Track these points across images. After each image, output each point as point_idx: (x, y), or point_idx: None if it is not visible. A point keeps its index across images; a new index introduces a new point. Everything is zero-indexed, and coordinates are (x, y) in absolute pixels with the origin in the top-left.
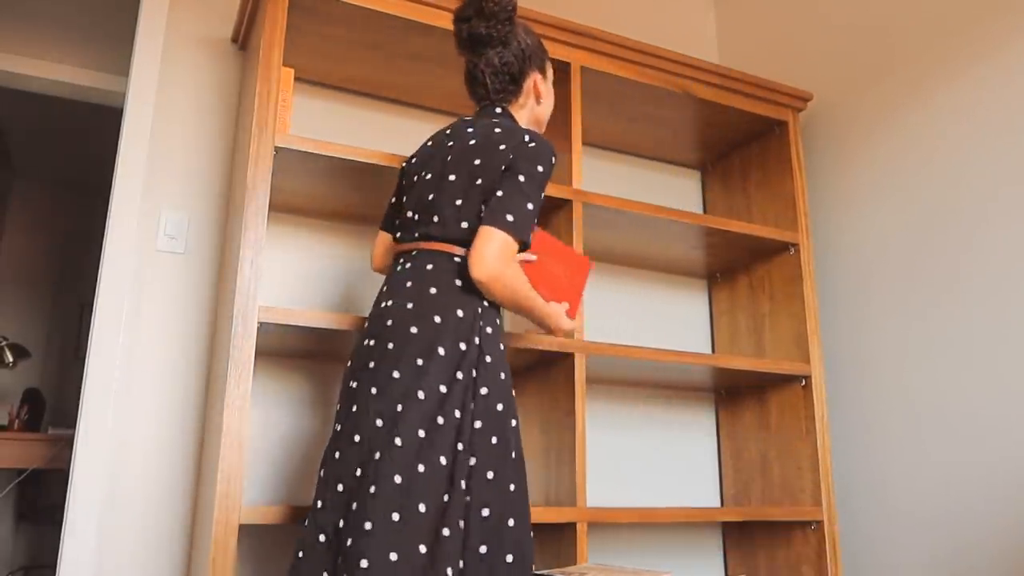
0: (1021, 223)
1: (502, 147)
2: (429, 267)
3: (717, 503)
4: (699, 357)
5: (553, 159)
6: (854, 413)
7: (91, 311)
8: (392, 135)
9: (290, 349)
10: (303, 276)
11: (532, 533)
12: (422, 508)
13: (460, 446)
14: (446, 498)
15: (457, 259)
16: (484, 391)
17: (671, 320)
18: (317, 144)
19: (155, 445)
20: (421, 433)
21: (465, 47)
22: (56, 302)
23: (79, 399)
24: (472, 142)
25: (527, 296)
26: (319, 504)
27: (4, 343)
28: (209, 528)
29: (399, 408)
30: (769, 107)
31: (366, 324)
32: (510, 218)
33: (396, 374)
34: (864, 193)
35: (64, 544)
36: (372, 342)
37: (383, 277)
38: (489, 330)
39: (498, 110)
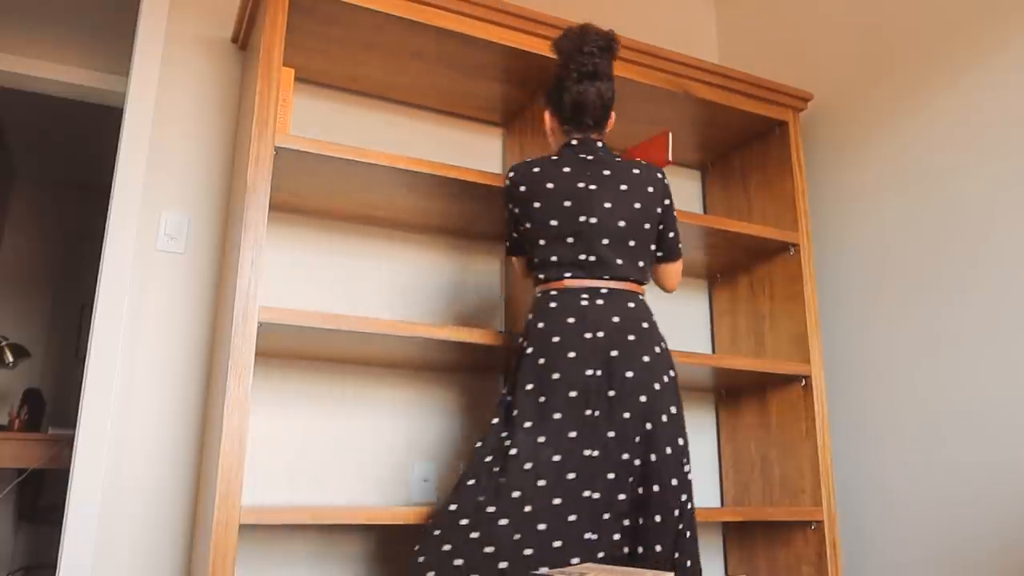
0: (1021, 223)
1: (651, 188)
2: (631, 305)
3: (717, 503)
4: (699, 357)
5: None
6: (854, 413)
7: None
8: (392, 135)
9: (290, 349)
10: (303, 276)
11: None
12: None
13: (686, 466)
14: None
15: (642, 297)
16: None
17: (672, 320)
18: (317, 144)
19: (155, 445)
20: (672, 447)
21: (584, 77)
22: (56, 302)
23: (79, 399)
24: (624, 187)
25: None
26: (592, 537)
27: (4, 343)
28: (209, 528)
29: (650, 426)
30: (769, 107)
31: (564, 351)
32: (680, 246)
33: (643, 398)
34: (864, 193)
35: (64, 544)
36: (599, 372)
37: (382, 278)
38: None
39: (600, 144)
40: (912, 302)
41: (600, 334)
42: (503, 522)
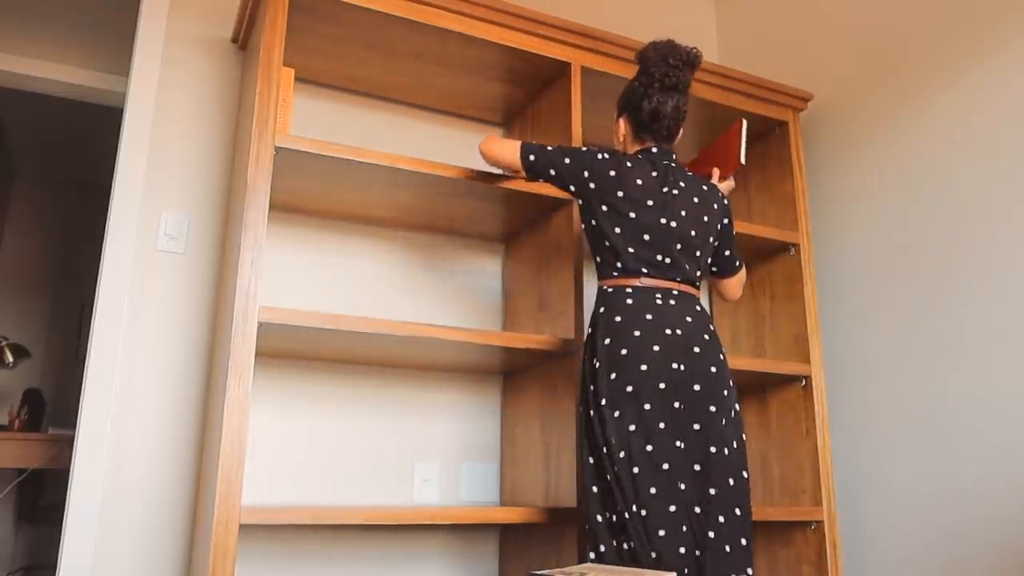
0: (1021, 223)
1: (715, 206)
2: (698, 308)
3: None
4: None
5: None
6: (854, 413)
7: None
8: (392, 135)
9: (290, 349)
10: (303, 276)
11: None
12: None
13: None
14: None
15: (703, 303)
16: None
17: None
18: (317, 144)
19: (155, 445)
20: (736, 443)
21: (667, 89)
22: (56, 302)
23: (79, 399)
24: (696, 200)
25: None
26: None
27: (4, 343)
28: (209, 528)
29: (724, 421)
30: (769, 107)
31: (648, 344)
32: (738, 262)
33: (725, 392)
34: (864, 193)
35: (64, 544)
36: (683, 366)
37: (382, 278)
38: None
39: (674, 156)
40: (912, 302)
41: (679, 331)
42: (643, 513)
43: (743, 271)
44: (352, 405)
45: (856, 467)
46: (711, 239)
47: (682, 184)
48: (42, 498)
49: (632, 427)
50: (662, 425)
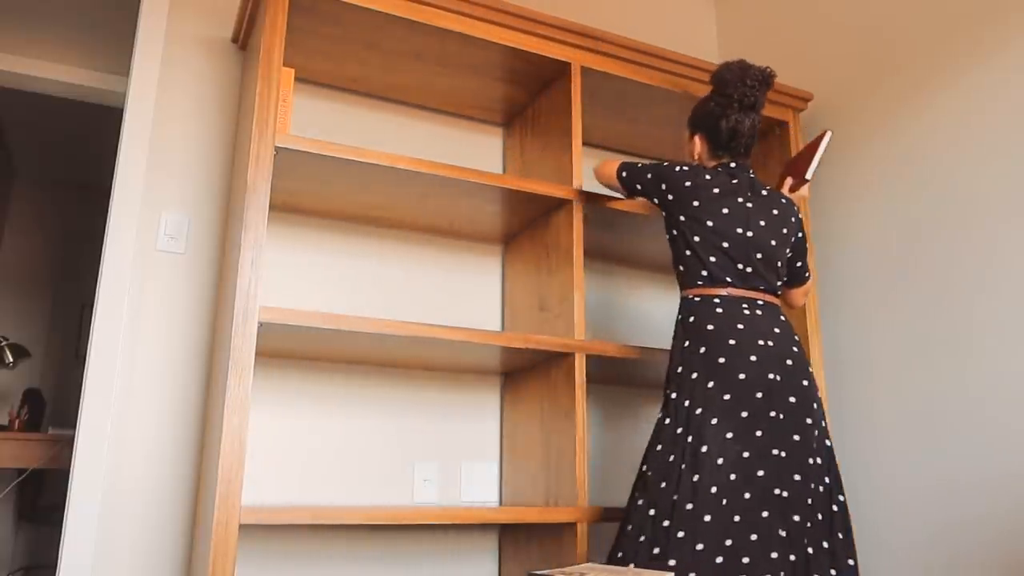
0: (1021, 223)
1: (792, 219)
2: (782, 318)
3: None
4: None
5: None
6: (855, 412)
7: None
8: (392, 135)
9: (290, 349)
10: (303, 276)
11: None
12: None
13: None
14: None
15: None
16: None
17: (671, 320)
18: (317, 144)
19: (155, 445)
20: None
21: (744, 108)
22: (56, 302)
23: (79, 399)
24: (775, 212)
25: None
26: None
27: (4, 343)
28: (209, 528)
29: (817, 433)
30: (769, 107)
31: (744, 353)
32: (807, 274)
33: (815, 406)
34: (865, 193)
35: (64, 544)
36: (778, 377)
37: (382, 278)
38: None
39: (752, 171)
40: (913, 301)
41: (771, 343)
42: (707, 518)
43: (810, 281)
44: (352, 405)
45: (857, 466)
46: (788, 251)
47: (761, 194)
48: (42, 498)
49: (730, 435)
50: (759, 433)
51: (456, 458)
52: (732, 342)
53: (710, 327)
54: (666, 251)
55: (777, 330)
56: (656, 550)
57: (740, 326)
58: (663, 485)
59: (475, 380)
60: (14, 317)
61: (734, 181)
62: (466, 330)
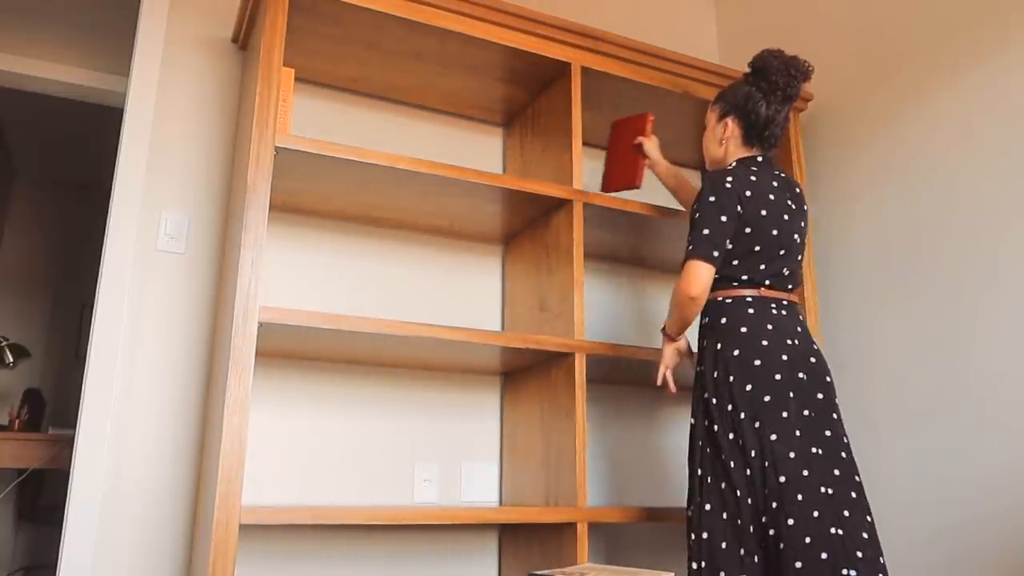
0: (1020, 223)
1: (806, 207)
2: (801, 317)
3: None
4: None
5: None
6: (855, 413)
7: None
8: (392, 135)
9: (290, 349)
10: (303, 276)
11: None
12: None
13: None
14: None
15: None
16: None
17: None
18: (317, 144)
19: (155, 445)
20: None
21: (785, 99)
22: (56, 302)
23: (79, 399)
24: (803, 207)
25: None
26: (815, 514)
27: (4, 343)
28: (209, 528)
29: (841, 428)
30: None
31: (777, 354)
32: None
33: (837, 401)
34: (865, 193)
35: (64, 544)
36: (806, 376)
37: (382, 278)
38: None
39: (778, 167)
40: (913, 301)
41: (796, 341)
42: (816, 514)
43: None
44: (352, 405)
45: (858, 466)
46: (803, 243)
47: (788, 189)
48: (42, 498)
49: (773, 436)
50: (798, 433)
51: (456, 458)
52: (765, 343)
53: (743, 329)
54: (667, 251)
55: (799, 329)
56: (742, 551)
57: (769, 326)
58: (738, 493)
59: (475, 380)
60: (14, 317)
61: (768, 179)
62: (466, 330)
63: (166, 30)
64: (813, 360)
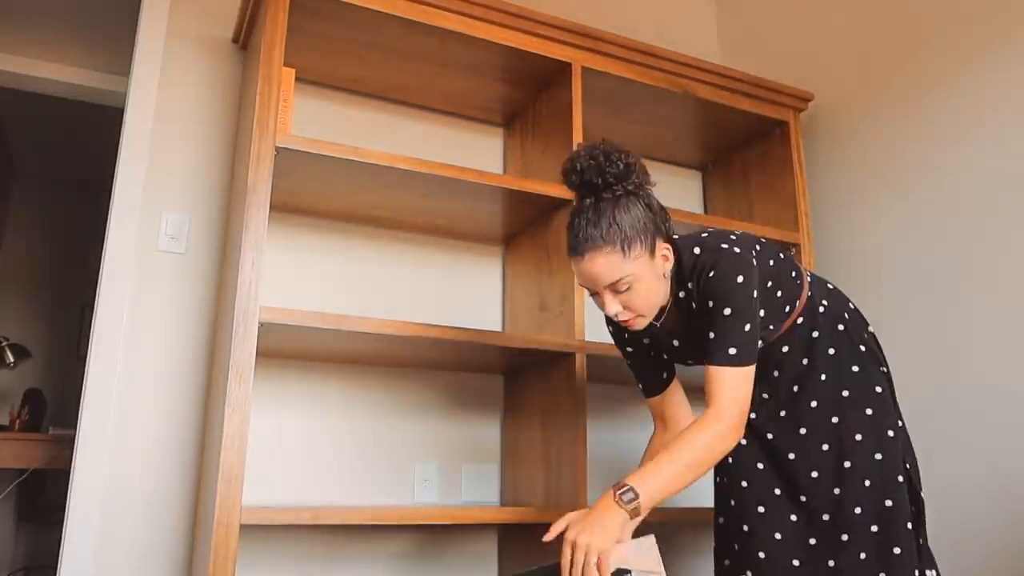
0: (1020, 223)
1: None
2: None
3: None
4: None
5: None
6: None
7: (92, 311)
8: (392, 135)
9: (291, 349)
10: (304, 276)
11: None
12: None
13: None
14: None
15: None
16: None
17: None
18: (318, 144)
19: (156, 445)
20: None
21: (642, 186)
22: (57, 302)
23: (80, 399)
24: None
25: None
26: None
27: (5, 343)
28: (210, 529)
29: None
30: (770, 107)
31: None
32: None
33: None
34: (865, 193)
35: (64, 544)
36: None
37: (382, 278)
38: None
39: None
40: (913, 302)
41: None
42: None
43: None
44: (352, 405)
45: None
46: None
47: None
48: (43, 498)
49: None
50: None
51: (456, 458)
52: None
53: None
54: None
55: None
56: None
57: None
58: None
59: (475, 380)
60: (15, 317)
61: None
62: (466, 330)
63: (166, 30)
64: None
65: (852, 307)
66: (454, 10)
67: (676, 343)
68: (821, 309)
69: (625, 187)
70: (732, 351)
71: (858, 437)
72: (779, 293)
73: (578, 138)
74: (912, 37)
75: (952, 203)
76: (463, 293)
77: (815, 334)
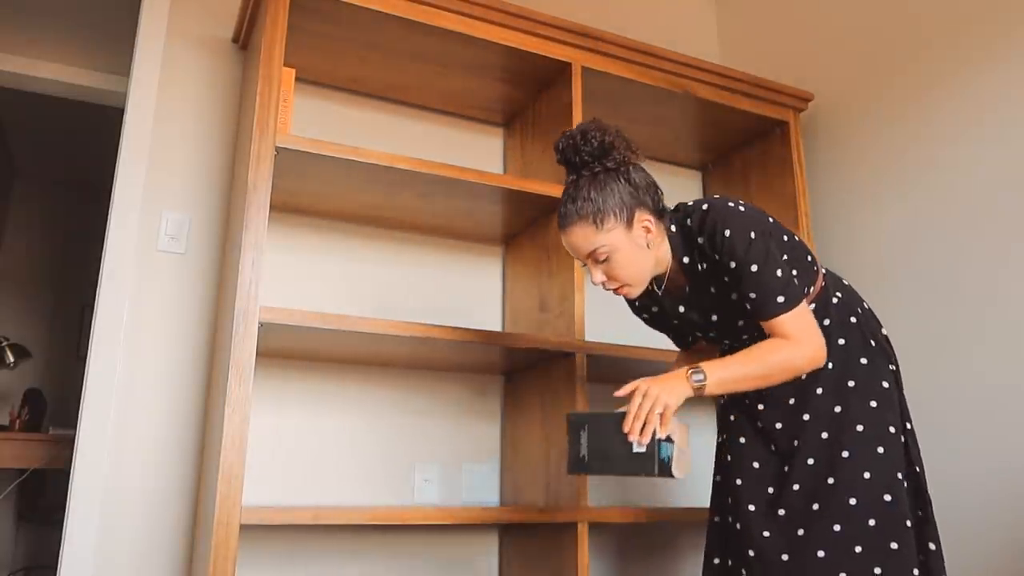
0: (1020, 223)
1: None
2: None
3: None
4: None
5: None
6: None
7: (92, 311)
8: (392, 135)
9: (291, 349)
10: (304, 276)
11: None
12: None
13: None
14: None
15: None
16: None
17: None
18: (318, 144)
19: (156, 445)
20: None
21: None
22: (57, 302)
23: (80, 399)
24: None
25: None
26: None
27: (5, 343)
28: (210, 529)
29: None
30: (770, 107)
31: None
32: None
33: None
34: (864, 193)
35: (64, 544)
36: None
37: (382, 278)
38: None
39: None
40: (913, 302)
41: None
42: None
43: None
44: (352, 405)
45: None
46: None
47: None
48: (43, 498)
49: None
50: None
51: (457, 458)
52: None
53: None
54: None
55: None
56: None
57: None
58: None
59: (475, 380)
60: (15, 317)
61: None
62: (466, 330)
63: (166, 30)
64: None
65: (866, 307)
66: (454, 10)
67: (682, 309)
68: (834, 300)
69: (604, 164)
70: (780, 299)
71: (859, 428)
72: (794, 272)
73: None
74: (912, 37)
75: (952, 203)
76: (463, 293)
77: (827, 322)
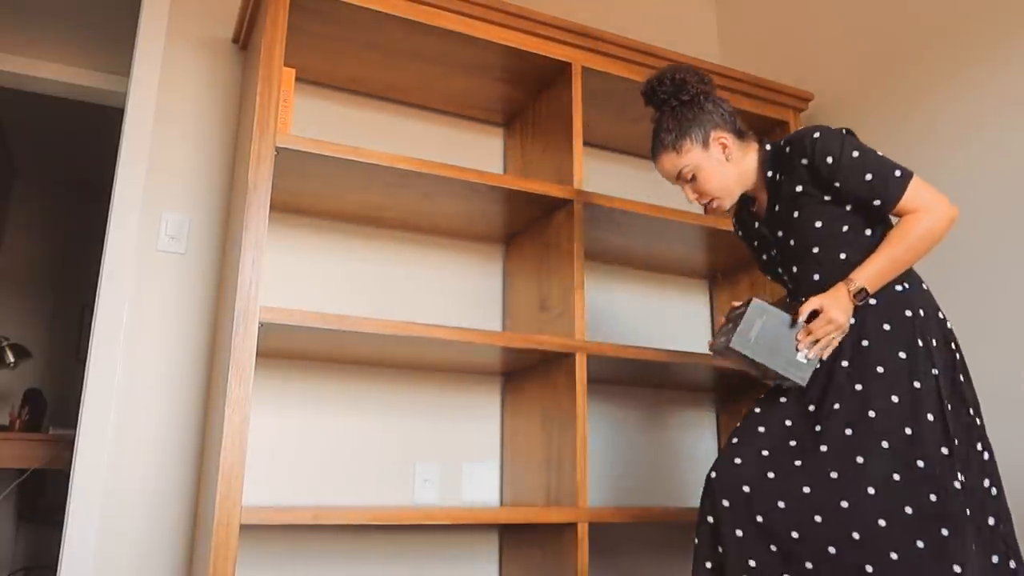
0: (1020, 223)
1: None
2: None
3: None
4: (700, 357)
5: None
6: None
7: (91, 311)
8: (392, 135)
9: (291, 349)
10: (304, 276)
11: None
12: None
13: None
14: None
15: None
16: None
17: (672, 319)
18: (318, 144)
19: (156, 446)
20: None
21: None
22: (57, 302)
23: (80, 399)
24: None
25: None
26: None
27: (5, 343)
28: (210, 529)
29: None
30: (770, 107)
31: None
32: None
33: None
34: None
35: (64, 544)
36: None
37: (383, 278)
38: None
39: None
40: None
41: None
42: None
43: None
44: (353, 405)
45: None
46: None
47: None
48: (43, 499)
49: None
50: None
51: (457, 458)
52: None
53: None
54: (669, 251)
55: None
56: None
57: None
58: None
59: (475, 380)
60: (15, 317)
61: None
62: (466, 330)
63: (166, 30)
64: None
65: (941, 316)
66: (454, 10)
67: (757, 224)
68: (899, 288)
69: (680, 98)
70: (897, 173)
71: (871, 413)
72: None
73: (578, 138)
74: (912, 37)
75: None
76: (463, 293)
77: (873, 301)
